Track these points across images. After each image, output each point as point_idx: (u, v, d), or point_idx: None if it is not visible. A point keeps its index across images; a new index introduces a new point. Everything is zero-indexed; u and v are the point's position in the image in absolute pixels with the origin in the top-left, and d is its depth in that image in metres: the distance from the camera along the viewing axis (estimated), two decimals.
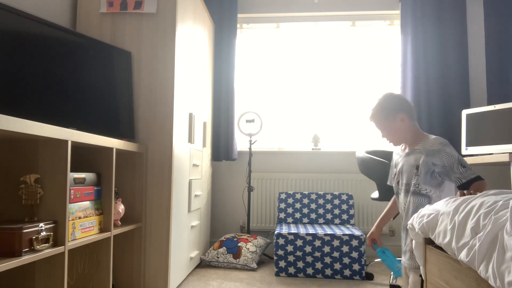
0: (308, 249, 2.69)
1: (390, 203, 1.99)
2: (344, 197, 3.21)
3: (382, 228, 1.97)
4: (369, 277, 2.64)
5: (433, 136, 1.77)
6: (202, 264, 2.99)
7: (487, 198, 1.08)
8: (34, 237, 1.34)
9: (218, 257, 2.89)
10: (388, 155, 2.85)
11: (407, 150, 1.82)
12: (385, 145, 3.50)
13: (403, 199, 1.81)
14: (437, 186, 1.72)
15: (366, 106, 3.54)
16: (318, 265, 2.68)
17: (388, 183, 1.99)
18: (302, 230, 2.78)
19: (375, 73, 3.55)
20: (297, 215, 3.20)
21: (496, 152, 2.51)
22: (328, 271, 2.67)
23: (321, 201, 3.21)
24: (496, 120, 2.54)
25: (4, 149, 1.52)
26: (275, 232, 2.77)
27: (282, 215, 3.21)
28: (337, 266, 2.67)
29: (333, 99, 3.57)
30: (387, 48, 3.56)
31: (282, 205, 3.23)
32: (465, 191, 1.41)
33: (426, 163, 1.71)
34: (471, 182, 1.65)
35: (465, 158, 2.54)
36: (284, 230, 2.80)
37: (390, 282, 2.46)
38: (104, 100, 2.01)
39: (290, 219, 3.19)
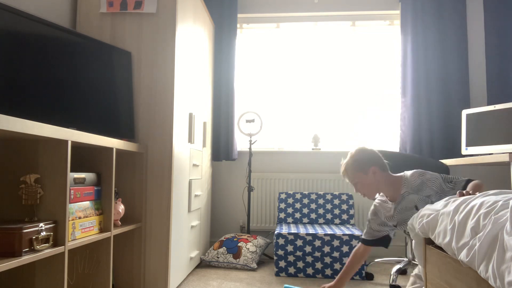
0: (308, 249, 2.69)
1: (350, 257, 1.98)
2: (344, 197, 3.21)
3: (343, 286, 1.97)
4: (369, 277, 2.64)
5: (408, 173, 1.82)
6: (202, 264, 2.99)
7: (487, 198, 1.08)
8: (34, 237, 1.34)
9: (218, 257, 2.89)
10: (388, 155, 2.85)
11: (395, 199, 1.84)
12: (385, 145, 3.50)
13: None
14: None
15: (366, 106, 3.53)
16: (318, 265, 2.68)
17: (367, 237, 1.98)
18: (302, 230, 2.78)
19: (375, 73, 3.55)
20: (297, 215, 3.20)
21: (496, 152, 2.51)
22: (328, 271, 2.67)
23: (321, 201, 3.21)
24: (496, 120, 2.54)
25: (4, 149, 1.52)
26: (275, 232, 2.77)
27: (282, 215, 3.21)
28: (337, 266, 2.66)
29: (333, 99, 3.57)
30: (387, 48, 3.56)
31: (282, 205, 3.23)
32: (464, 191, 1.42)
33: (420, 199, 1.76)
34: (465, 186, 1.69)
35: (463, 159, 2.54)
36: (284, 230, 2.80)
37: (390, 282, 2.46)
38: (104, 100, 2.01)
39: (290, 219, 3.19)
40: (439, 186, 1.73)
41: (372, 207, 1.98)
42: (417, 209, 1.76)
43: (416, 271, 1.90)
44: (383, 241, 1.95)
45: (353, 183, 1.89)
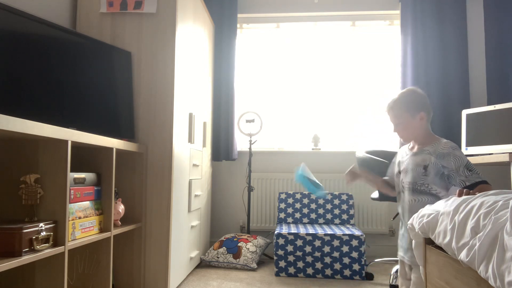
0: (308, 249, 2.69)
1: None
2: (344, 197, 3.21)
3: (381, 182, 1.93)
4: (369, 277, 2.64)
5: (445, 140, 1.76)
6: (202, 264, 2.99)
7: (487, 198, 1.08)
8: (34, 237, 1.34)
9: (218, 257, 2.89)
10: (388, 155, 2.85)
11: (415, 150, 1.80)
12: (385, 145, 3.50)
13: (407, 197, 1.80)
14: (445, 188, 1.72)
15: (366, 106, 3.54)
16: (318, 265, 2.68)
17: (385, 177, 1.97)
18: (302, 230, 2.78)
19: (375, 73, 3.55)
20: (297, 215, 3.20)
21: (496, 152, 2.51)
22: (328, 271, 2.67)
23: (321, 201, 3.21)
24: (496, 120, 2.54)
25: (4, 149, 1.52)
26: (275, 232, 2.77)
27: (282, 215, 3.21)
28: (337, 266, 2.67)
29: (333, 99, 3.57)
30: (387, 48, 3.56)
31: (282, 205, 3.23)
32: (464, 190, 1.41)
33: (435, 165, 1.70)
34: (475, 185, 1.63)
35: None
36: (284, 230, 2.80)
37: (390, 282, 2.46)
38: (104, 100, 2.01)
39: (290, 219, 3.19)
40: (458, 166, 1.67)
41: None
42: (424, 169, 1.72)
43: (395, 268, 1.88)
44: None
45: (395, 122, 1.79)
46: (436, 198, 1.73)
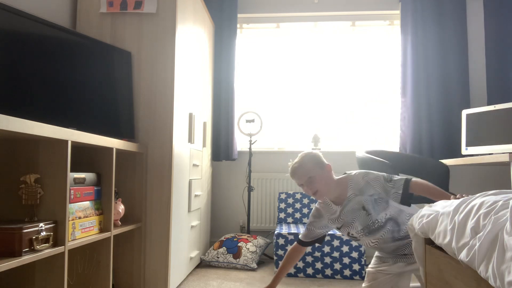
0: (308, 249, 2.69)
1: (286, 257, 1.93)
2: None
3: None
4: None
5: (352, 174, 1.81)
6: (202, 264, 2.99)
7: (487, 198, 1.08)
8: (34, 237, 1.34)
9: (218, 257, 2.89)
10: (388, 155, 2.85)
11: (341, 201, 1.81)
12: (385, 145, 3.50)
13: (369, 239, 1.83)
14: (387, 208, 1.78)
15: (366, 106, 3.53)
16: (318, 265, 2.68)
17: (305, 239, 1.93)
18: (302, 230, 2.78)
19: (375, 73, 3.55)
20: (297, 215, 3.20)
21: (496, 152, 2.51)
22: (328, 271, 2.67)
23: None
24: (496, 120, 2.54)
25: (4, 149, 1.52)
26: (275, 232, 2.77)
27: (282, 215, 3.21)
28: (337, 266, 2.67)
29: (333, 99, 3.57)
30: (387, 48, 3.56)
31: (282, 205, 3.23)
32: (457, 195, 1.44)
33: (366, 200, 1.76)
34: (406, 190, 1.69)
35: (463, 159, 2.54)
36: (284, 230, 2.80)
37: None
38: (104, 100, 2.01)
39: (290, 219, 3.19)
40: (382, 185, 1.73)
41: (314, 210, 1.92)
42: (364, 209, 1.76)
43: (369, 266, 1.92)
44: (320, 240, 1.94)
45: (306, 179, 1.78)
46: (393, 221, 1.78)
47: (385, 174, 1.77)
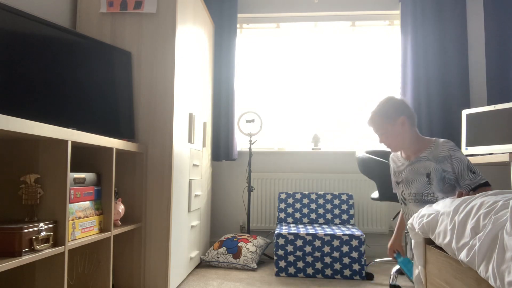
0: (308, 249, 2.69)
1: (400, 216, 1.94)
2: (344, 197, 3.21)
3: (401, 238, 1.91)
4: (369, 277, 2.64)
5: (441, 141, 1.70)
6: (202, 264, 2.99)
7: (487, 198, 1.08)
8: (34, 237, 1.34)
9: (218, 257, 2.89)
10: (388, 155, 2.84)
11: (412, 158, 1.75)
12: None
13: (414, 208, 1.74)
14: (450, 192, 1.68)
15: (366, 106, 3.53)
16: (318, 265, 2.68)
17: (393, 191, 1.93)
18: (302, 230, 2.78)
19: (375, 73, 3.55)
20: (297, 215, 3.20)
21: (496, 152, 2.51)
22: (328, 271, 2.67)
23: (321, 201, 3.21)
24: (496, 120, 2.54)
25: (4, 149, 1.52)
26: (275, 232, 2.77)
27: (282, 215, 3.21)
28: (337, 266, 2.66)
29: (333, 99, 3.57)
30: (387, 48, 3.56)
31: (282, 205, 3.23)
32: (463, 191, 1.41)
33: (437, 171, 1.66)
34: (478, 187, 1.61)
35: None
36: (284, 230, 2.80)
37: (390, 282, 2.46)
38: (104, 100, 2.01)
39: (290, 219, 3.19)
40: (461, 169, 1.62)
41: (390, 159, 1.92)
42: (428, 177, 1.67)
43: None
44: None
45: (378, 133, 1.78)
46: None
47: (470, 162, 1.66)
